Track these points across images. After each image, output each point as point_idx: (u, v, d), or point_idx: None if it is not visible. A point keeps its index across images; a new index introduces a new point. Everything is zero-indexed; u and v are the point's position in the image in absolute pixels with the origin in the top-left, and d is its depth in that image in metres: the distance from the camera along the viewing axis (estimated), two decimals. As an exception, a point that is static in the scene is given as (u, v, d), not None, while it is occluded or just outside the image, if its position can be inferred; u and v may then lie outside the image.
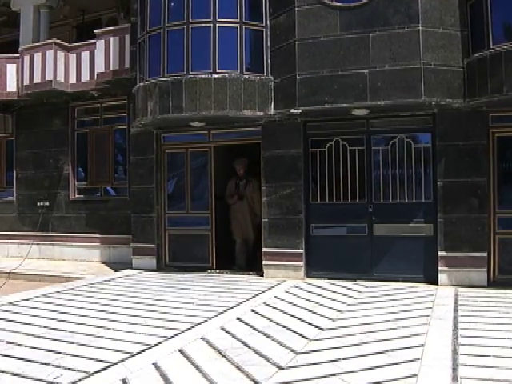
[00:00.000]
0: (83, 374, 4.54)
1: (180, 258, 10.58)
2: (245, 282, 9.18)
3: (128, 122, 11.76)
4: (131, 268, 10.74)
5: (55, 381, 4.40)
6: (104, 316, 6.72)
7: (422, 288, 8.24)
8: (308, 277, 9.27)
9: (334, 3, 8.71)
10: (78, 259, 12.74)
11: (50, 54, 12.28)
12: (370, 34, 8.41)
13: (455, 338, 5.45)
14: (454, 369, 4.52)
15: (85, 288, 8.80)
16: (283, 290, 8.31)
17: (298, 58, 8.88)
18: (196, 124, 9.93)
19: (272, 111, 9.36)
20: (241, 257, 10.62)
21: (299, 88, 8.86)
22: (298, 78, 8.87)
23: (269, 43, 9.44)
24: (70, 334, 5.88)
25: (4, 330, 6.10)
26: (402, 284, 8.50)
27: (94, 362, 4.86)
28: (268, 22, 9.45)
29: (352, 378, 4.36)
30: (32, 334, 5.88)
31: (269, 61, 9.43)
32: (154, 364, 4.80)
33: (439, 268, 8.38)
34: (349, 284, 8.62)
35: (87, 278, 9.99)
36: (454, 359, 4.77)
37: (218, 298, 7.79)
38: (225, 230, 10.63)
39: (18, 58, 12.93)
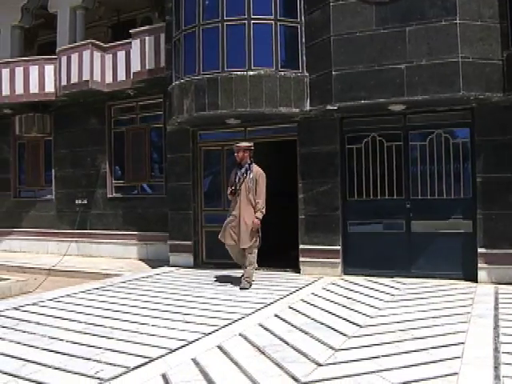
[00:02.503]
0: (123, 369, 4.59)
1: (216, 255, 10.57)
2: (281, 278, 9.19)
3: (164, 120, 11.91)
4: (168, 265, 10.85)
5: (96, 375, 4.46)
6: (146, 313, 6.79)
7: (461, 285, 8.13)
8: (345, 274, 9.22)
9: (370, -2, 8.64)
10: (115, 256, 12.94)
11: (86, 54, 12.50)
12: (407, 28, 8.30)
13: (496, 336, 5.35)
14: (496, 367, 4.43)
15: (123, 285, 8.91)
16: (320, 286, 8.29)
17: (334, 54, 8.82)
18: (232, 121, 9.97)
19: (308, 108, 9.32)
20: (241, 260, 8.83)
21: (335, 84, 8.80)
22: (333, 73, 8.81)
23: (304, 39, 9.39)
24: (110, 329, 5.95)
25: (45, 325, 6.21)
26: (441, 281, 8.39)
27: (134, 358, 4.91)
28: (303, 18, 9.41)
29: (391, 376, 4.32)
30: (73, 330, 5.97)
31: (304, 57, 9.40)
32: (193, 360, 4.83)
33: (478, 265, 8.24)
34: (386, 281, 8.56)
35: (125, 275, 10.11)
36: (496, 358, 4.68)
37: (255, 294, 7.82)
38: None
39: (55, 58, 13.23)
